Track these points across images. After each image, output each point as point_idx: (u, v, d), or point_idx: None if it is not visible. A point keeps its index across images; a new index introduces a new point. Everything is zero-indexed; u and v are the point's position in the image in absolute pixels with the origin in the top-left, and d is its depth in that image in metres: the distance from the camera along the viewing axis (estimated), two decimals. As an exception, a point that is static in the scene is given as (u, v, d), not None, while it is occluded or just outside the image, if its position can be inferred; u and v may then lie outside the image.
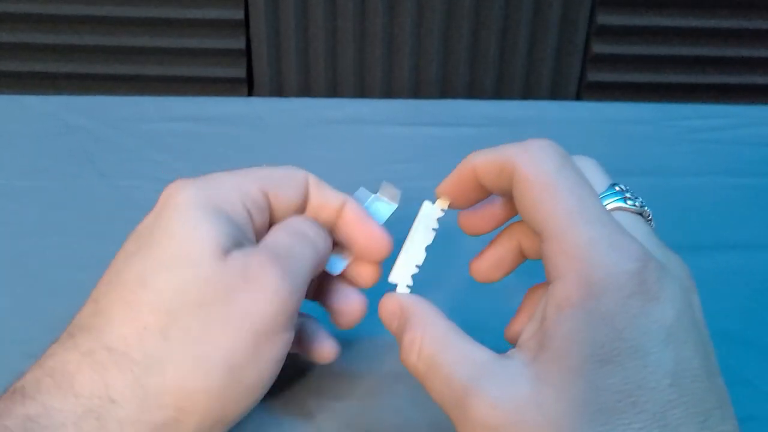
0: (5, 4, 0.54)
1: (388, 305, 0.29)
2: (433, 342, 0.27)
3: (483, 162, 0.28)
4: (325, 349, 0.32)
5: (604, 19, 0.56)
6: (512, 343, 0.29)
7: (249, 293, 0.27)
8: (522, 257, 0.31)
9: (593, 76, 0.57)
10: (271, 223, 0.32)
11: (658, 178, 0.48)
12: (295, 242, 0.30)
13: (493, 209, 0.31)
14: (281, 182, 0.32)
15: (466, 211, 0.32)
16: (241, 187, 0.30)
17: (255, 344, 0.27)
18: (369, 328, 0.38)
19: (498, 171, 0.28)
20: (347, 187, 0.47)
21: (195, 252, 0.27)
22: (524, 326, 0.27)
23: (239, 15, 0.55)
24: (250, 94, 0.57)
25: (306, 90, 0.57)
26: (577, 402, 0.23)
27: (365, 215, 0.33)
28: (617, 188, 0.28)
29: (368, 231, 0.32)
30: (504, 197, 0.31)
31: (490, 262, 0.31)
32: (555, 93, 0.58)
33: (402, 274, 0.32)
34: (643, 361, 0.23)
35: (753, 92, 0.58)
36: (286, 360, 0.36)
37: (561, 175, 0.26)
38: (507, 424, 0.24)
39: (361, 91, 0.57)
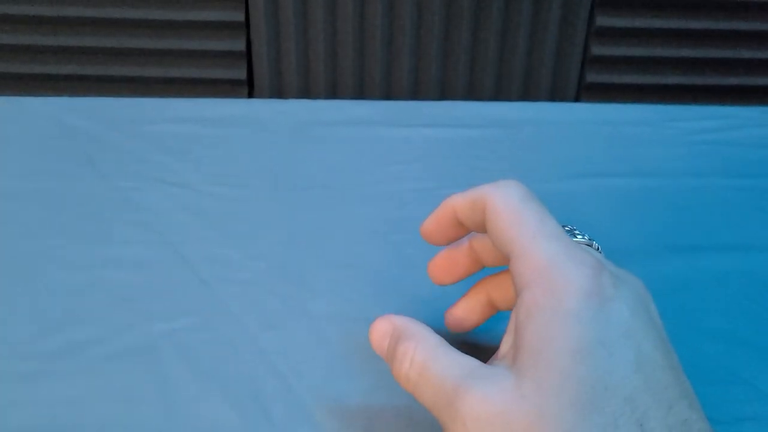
0: (5, 5, 0.54)
1: (380, 326, 0.32)
2: (425, 351, 0.29)
3: (460, 200, 0.32)
4: None
5: (603, 20, 0.56)
6: None
7: None
8: (492, 309, 0.35)
9: (592, 77, 0.57)
10: None
11: (657, 179, 0.48)
12: None
13: (458, 262, 0.35)
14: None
15: (435, 263, 0.35)
16: None
17: None
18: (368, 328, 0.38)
19: (472, 205, 0.31)
20: (346, 187, 0.48)
21: None
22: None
23: (239, 17, 0.55)
24: (250, 95, 0.57)
25: (306, 91, 0.57)
26: (555, 390, 0.25)
27: None
28: (566, 228, 0.32)
29: None
30: (475, 235, 0.34)
31: (462, 312, 0.35)
32: (554, 94, 0.58)
33: None
34: (608, 351, 0.26)
35: (752, 94, 0.58)
36: (285, 360, 0.37)
37: (525, 205, 0.30)
38: (495, 414, 0.26)
39: (361, 92, 0.57)
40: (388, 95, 0.57)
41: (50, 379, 0.35)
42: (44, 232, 0.43)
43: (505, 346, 0.30)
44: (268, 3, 0.54)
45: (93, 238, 0.42)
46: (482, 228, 0.31)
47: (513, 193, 0.30)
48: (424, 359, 0.29)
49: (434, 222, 0.34)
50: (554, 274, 0.27)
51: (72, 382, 0.35)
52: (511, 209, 0.30)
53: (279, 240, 0.43)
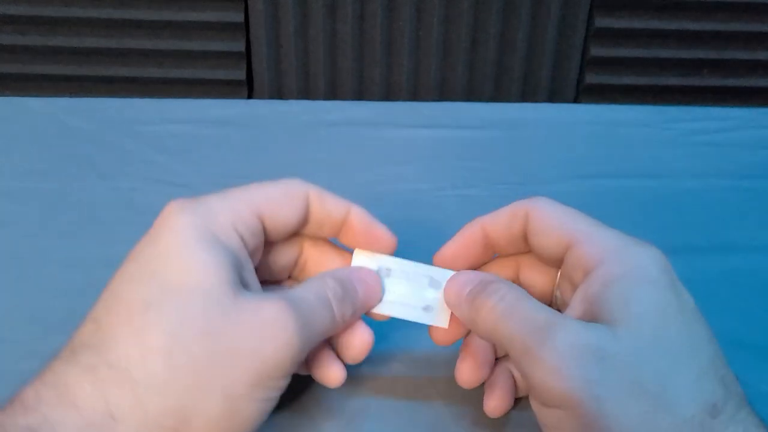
0: (5, 5, 0.54)
1: (465, 275, 0.33)
2: (516, 292, 0.31)
3: (491, 218, 0.34)
4: (332, 374, 0.33)
5: (602, 21, 0.56)
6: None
7: (261, 335, 0.28)
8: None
9: (591, 78, 0.57)
10: (266, 243, 0.33)
11: (656, 180, 0.48)
12: (318, 306, 0.31)
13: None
14: (278, 203, 0.32)
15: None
16: (234, 214, 0.31)
17: (256, 383, 0.28)
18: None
19: (509, 218, 0.33)
20: (346, 188, 0.48)
21: (203, 282, 0.28)
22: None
23: (239, 18, 0.55)
24: (249, 96, 0.57)
25: (305, 92, 0.57)
26: (650, 341, 0.28)
27: (370, 220, 0.34)
28: None
29: (374, 235, 0.34)
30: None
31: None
32: (553, 96, 0.58)
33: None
34: (687, 319, 0.29)
35: (751, 95, 0.58)
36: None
37: (569, 208, 0.32)
38: (591, 346, 0.27)
39: (360, 93, 0.57)
40: (387, 96, 0.57)
41: (50, 378, 0.35)
42: (44, 232, 0.43)
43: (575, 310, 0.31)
44: (268, 3, 0.54)
45: (93, 238, 0.42)
46: (516, 242, 0.33)
47: (553, 202, 0.33)
48: (517, 297, 0.30)
49: (459, 246, 0.34)
50: (627, 252, 0.30)
51: (72, 381, 0.35)
52: (560, 211, 0.32)
53: (279, 240, 0.43)
